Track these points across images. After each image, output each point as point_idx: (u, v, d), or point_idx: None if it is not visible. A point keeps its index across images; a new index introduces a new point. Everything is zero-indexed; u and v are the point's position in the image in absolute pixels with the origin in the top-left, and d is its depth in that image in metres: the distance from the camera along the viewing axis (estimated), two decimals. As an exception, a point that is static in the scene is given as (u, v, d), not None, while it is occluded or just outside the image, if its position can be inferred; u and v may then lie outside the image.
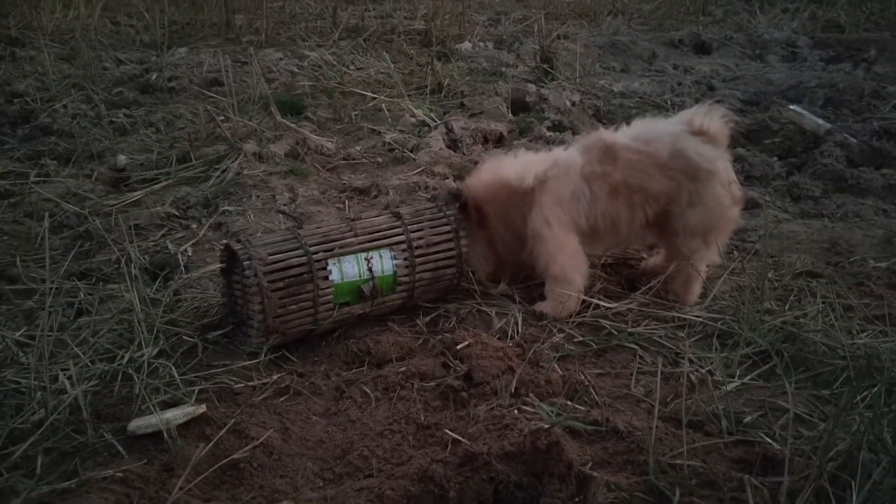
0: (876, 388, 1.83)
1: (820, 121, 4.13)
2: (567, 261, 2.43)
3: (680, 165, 2.42)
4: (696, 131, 2.46)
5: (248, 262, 2.14)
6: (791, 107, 4.34)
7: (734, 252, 2.94)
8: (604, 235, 2.53)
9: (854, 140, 3.89)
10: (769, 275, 2.55)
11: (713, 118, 2.49)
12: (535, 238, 2.43)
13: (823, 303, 2.34)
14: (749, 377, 2.06)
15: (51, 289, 2.33)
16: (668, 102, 4.78)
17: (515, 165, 2.51)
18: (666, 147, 2.43)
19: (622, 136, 2.50)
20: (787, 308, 2.36)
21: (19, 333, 2.22)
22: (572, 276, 2.43)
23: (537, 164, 2.48)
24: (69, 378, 1.92)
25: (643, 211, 2.46)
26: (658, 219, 2.51)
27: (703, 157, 2.42)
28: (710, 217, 2.46)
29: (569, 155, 2.51)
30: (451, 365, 2.12)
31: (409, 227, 2.38)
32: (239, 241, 2.23)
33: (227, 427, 1.80)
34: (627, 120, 2.69)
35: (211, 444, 1.71)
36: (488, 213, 2.52)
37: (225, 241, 2.32)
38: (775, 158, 3.91)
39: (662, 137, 2.46)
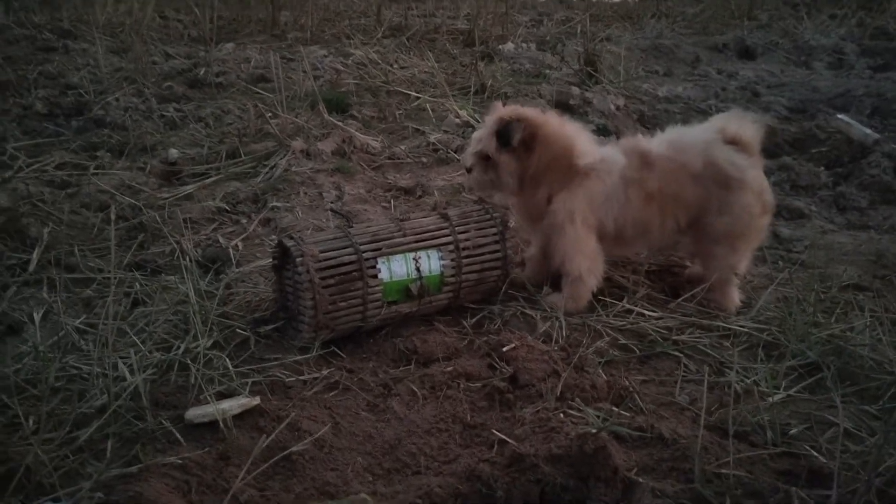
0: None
1: (868, 130, 4.09)
2: (583, 262, 2.46)
3: (711, 174, 2.45)
4: (729, 139, 2.49)
5: (300, 259, 2.19)
6: (839, 116, 4.30)
7: (779, 262, 2.93)
8: (631, 240, 2.57)
9: (903, 151, 3.85)
10: (815, 286, 2.54)
11: (745, 125, 2.51)
12: (555, 229, 2.45)
13: (871, 317, 2.32)
14: (795, 389, 2.05)
15: (109, 279, 2.41)
16: (713, 108, 4.75)
17: (587, 141, 2.52)
18: (699, 156, 2.47)
19: (657, 143, 2.55)
20: (833, 321, 2.35)
21: (79, 321, 2.29)
22: (588, 278, 2.46)
23: (595, 152, 2.50)
24: (129, 366, 1.99)
25: (675, 219, 2.51)
26: (692, 226, 2.54)
27: (735, 166, 2.45)
28: (738, 225, 2.49)
29: (615, 154, 2.53)
30: (497, 366, 2.15)
31: (456, 228, 2.42)
32: (291, 237, 2.29)
33: (285, 422, 1.85)
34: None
35: (271, 437, 1.77)
36: (535, 152, 2.44)
37: (277, 238, 2.37)
38: (822, 168, 3.88)
39: (695, 146, 2.50)
